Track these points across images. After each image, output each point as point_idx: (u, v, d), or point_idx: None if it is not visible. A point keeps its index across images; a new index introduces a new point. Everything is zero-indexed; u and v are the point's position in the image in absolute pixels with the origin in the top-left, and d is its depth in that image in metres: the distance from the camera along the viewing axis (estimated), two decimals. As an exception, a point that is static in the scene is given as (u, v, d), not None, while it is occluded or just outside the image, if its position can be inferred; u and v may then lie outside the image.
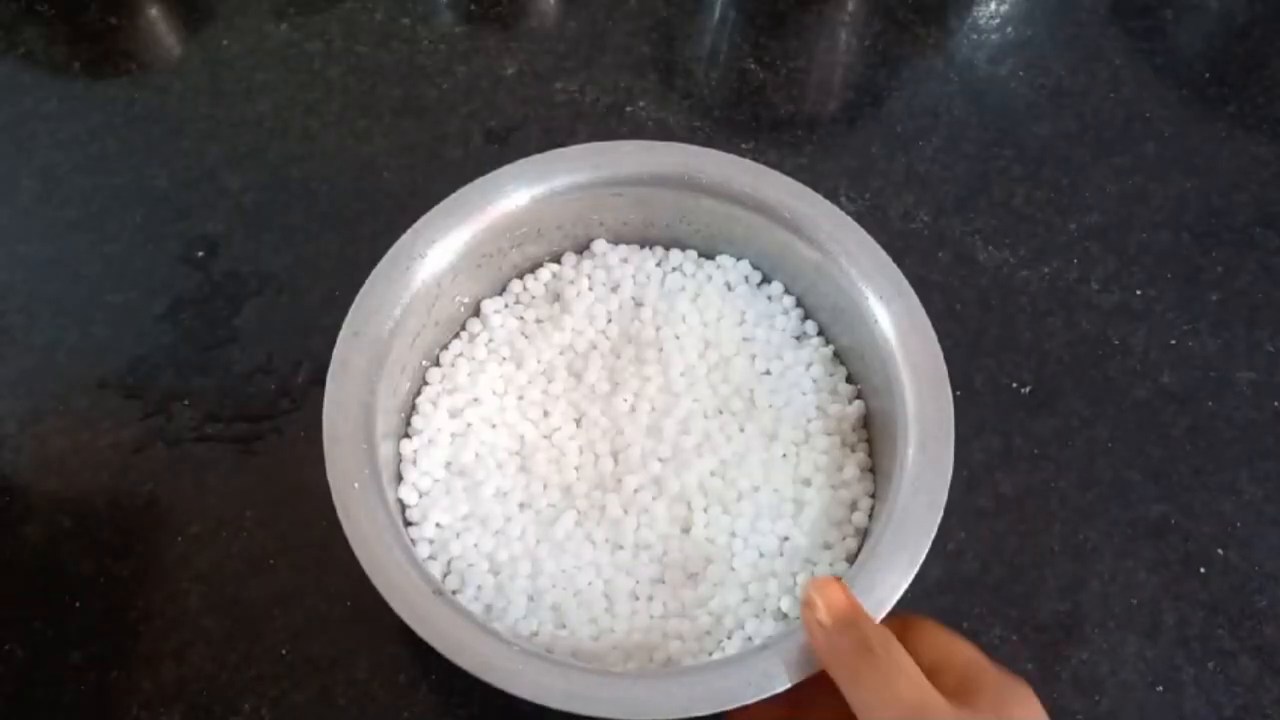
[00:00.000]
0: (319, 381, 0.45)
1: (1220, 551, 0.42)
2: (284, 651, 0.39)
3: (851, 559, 0.37)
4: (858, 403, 0.40)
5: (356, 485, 0.33)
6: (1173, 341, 0.47)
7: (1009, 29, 0.56)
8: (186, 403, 0.44)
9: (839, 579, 0.31)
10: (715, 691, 0.30)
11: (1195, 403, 0.45)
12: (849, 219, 0.39)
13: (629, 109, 0.52)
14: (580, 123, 0.52)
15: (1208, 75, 0.54)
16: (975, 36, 0.56)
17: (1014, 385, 0.45)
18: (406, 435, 0.39)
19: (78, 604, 0.40)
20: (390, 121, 0.51)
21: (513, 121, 0.52)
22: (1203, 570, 0.42)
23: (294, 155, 0.50)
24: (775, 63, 0.54)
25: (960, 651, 0.30)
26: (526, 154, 0.51)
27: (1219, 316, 0.47)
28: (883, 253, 0.39)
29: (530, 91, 0.53)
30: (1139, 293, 0.48)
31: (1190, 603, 0.41)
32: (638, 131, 0.51)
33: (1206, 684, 0.39)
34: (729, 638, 0.36)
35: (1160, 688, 0.39)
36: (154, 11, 0.55)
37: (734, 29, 0.56)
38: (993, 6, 0.57)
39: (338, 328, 0.46)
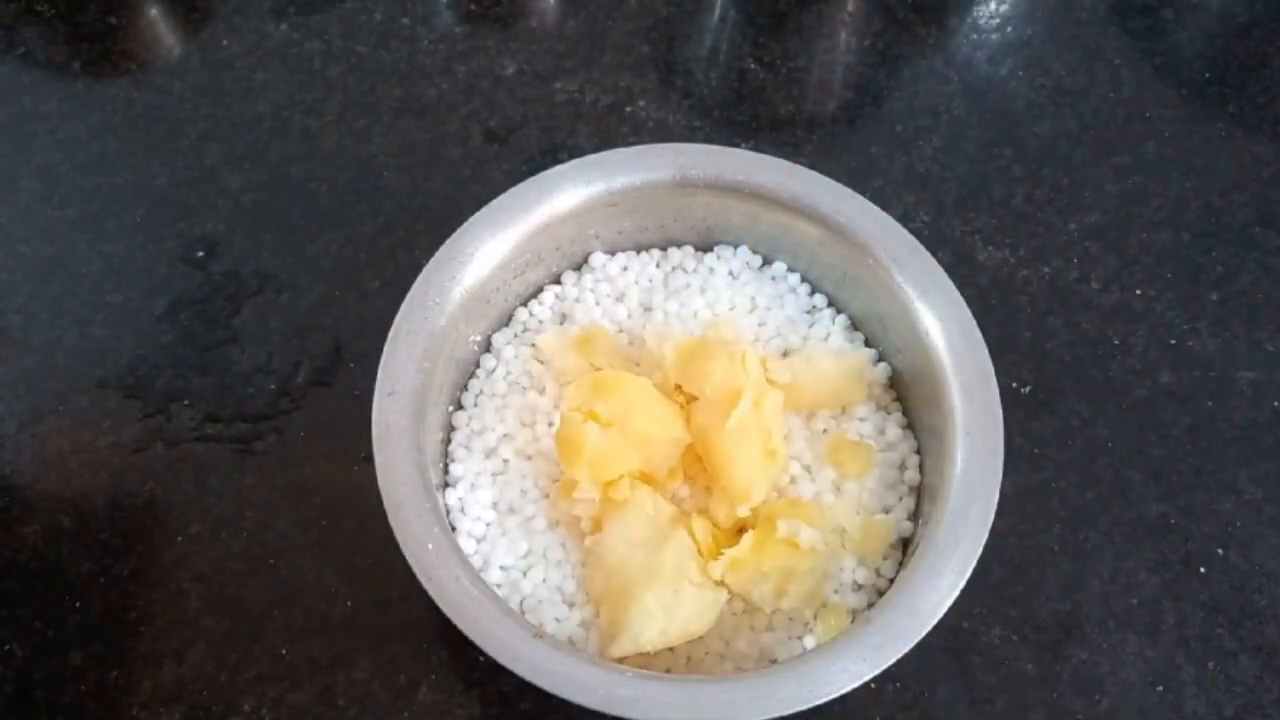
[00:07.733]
0: (319, 382, 0.45)
1: (1220, 551, 0.42)
2: (284, 651, 0.39)
3: (913, 517, 0.38)
4: (883, 364, 0.41)
5: (431, 547, 0.33)
6: (1173, 341, 0.47)
7: (1009, 28, 0.56)
8: (186, 403, 0.44)
9: None
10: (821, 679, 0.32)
11: (1195, 403, 0.45)
12: (846, 189, 0.40)
13: (629, 109, 0.52)
14: (580, 123, 0.52)
15: (1208, 75, 0.54)
16: (975, 36, 0.56)
17: (1014, 385, 0.45)
18: (447, 484, 0.39)
19: (78, 604, 0.40)
20: (390, 121, 0.51)
21: (512, 121, 0.52)
22: (1203, 570, 0.42)
23: (293, 155, 0.50)
24: (775, 62, 0.54)
25: None
26: (526, 154, 0.51)
27: (1219, 316, 0.47)
28: (886, 215, 0.39)
29: (530, 91, 0.53)
30: (1139, 292, 0.48)
31: (1190, 602, 0.41)
32: (637, 131, 0.51)
33: (1206, 684, 0.39)
34: (815, 618, 0.36)
35: (1160, 687, 0.39)
36: (154, 11, 0.55)
37: (734, 29, 0.56)
38: (993, 6, 0.56)
39: (338, 327, 0.46)
